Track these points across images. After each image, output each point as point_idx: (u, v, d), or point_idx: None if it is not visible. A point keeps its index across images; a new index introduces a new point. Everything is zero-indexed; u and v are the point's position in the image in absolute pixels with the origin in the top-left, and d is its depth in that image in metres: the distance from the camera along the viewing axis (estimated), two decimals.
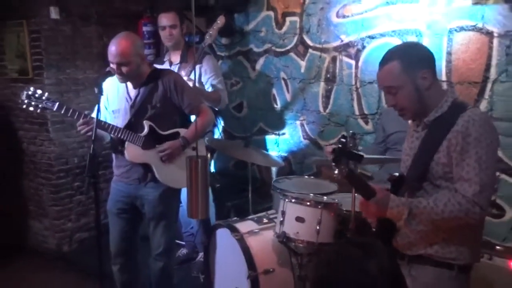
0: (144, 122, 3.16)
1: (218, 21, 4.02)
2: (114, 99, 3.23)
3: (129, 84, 3.21)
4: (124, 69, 3.04)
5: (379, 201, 2.03)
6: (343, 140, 2.02)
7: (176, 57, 4.11)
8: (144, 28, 4.97)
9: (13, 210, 5.01)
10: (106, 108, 3.26)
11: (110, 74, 3.05)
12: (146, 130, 3.16)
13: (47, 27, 4.51)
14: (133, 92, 3.20)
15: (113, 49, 3.03)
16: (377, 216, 2.15)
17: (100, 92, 2.90)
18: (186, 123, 3.32)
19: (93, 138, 2.81)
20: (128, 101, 3.20)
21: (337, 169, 2.01)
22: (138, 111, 3.16)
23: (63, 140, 4.72)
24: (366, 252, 1.37)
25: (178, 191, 3.38)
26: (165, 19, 4.03)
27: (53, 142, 4.67)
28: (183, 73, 3.89)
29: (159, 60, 4.25)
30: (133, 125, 3.16)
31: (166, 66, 4.05)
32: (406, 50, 2.13)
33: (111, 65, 3.06)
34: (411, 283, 2.06)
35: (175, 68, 4.00)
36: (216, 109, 4.18)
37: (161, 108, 3.18)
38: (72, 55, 4.73)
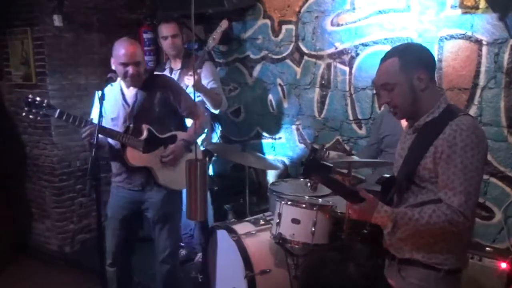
0: (143, 126, 3.18)
1: (222, 25, 4.01)
2: (112, 107, 3.23)
3: (125, 90, 3.23)
4: (139, 68, 3.09)
5: (364, 208, 2.05)
6: (312, 153, 2.07)
7: (176, 64, 4.15)
8: (145, 36, 5.05)
9: (16, 212, 5.06)
10: (105, 116, 3.21)
11: (111, 80, 3.07)
12: (145, 134, 3.18)
13: (50, 35, 4.57)
14: (130, 98, 3.22)
15: (129, 49, 3.06)
16: (361, 219, 2.18)
17: (103, 97, 2.89)
18: (181, 126, 3.37)
19: (94, 142, 2.80)
20: (125, 107, 3.22)
21: (308, 181, 2.06)
22: (136, 116, 3.19)
23: (66, 144, 4.77)
24: (345, 256, 1.40)
25: (181, 193, 3.41)
26: (166, 30, 4.05)
27: (56, 146, 4.72)
28: (186, 77, 3.92)
29: (160, 67, 4.29)
30: (132, 130, 3.19)
31: (167, 72, 4.09)
32: (407, 49, 2.13)
33: (125, 68, 3.06)
34: (400, 282, 2.10)
35: (176, 74, 4.05)
36: (216, 113, 4.23)
37: (159, 112, 3.21)
38: (74, 62, 4.78)
